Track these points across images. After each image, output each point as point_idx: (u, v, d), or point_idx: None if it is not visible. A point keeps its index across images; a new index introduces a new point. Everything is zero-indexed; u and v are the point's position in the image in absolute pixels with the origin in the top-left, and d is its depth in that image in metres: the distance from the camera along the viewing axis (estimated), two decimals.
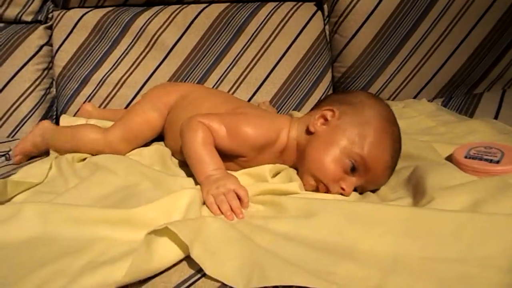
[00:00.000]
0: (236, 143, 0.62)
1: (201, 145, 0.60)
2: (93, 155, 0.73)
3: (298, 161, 0.63)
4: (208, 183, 0.54)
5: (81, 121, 0.86)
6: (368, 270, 0.39)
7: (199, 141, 0.60)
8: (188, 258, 0.42)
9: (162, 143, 0.79)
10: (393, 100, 1.04)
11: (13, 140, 0.96)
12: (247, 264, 0.40)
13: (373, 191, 0.61)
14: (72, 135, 0.77)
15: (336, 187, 0.58)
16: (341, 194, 0.58)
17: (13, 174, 0.67)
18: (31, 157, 0.82)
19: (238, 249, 0.42)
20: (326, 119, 0.62)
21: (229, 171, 0.60)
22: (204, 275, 0.40)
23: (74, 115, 1.01)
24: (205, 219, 0.46)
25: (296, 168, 0.65)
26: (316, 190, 0.60)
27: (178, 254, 0.41)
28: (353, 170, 0.58)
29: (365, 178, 0.58)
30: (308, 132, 0.63)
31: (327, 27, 1.09)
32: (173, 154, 0.75)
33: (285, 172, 0.63)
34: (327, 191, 0.59)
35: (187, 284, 0.39)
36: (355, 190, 0.60)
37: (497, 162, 0.57)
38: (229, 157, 0.63)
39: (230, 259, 0.40)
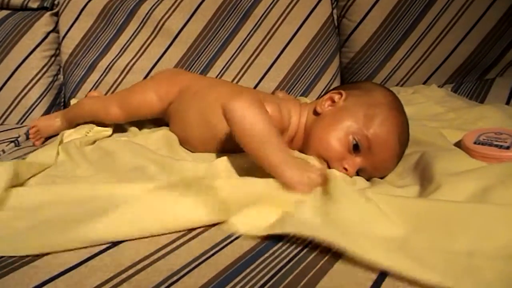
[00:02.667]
0: None
1: (267, 124, 0.52)
2: (93, 122, 0.79)
3: (304, 143, 0.63)
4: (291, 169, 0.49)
5: None
6: (376, 250, 0.39)
7: (264, 120, 0.52)
8: (194, 239, 0.43)
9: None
10: (402, 86, 1.03)
11: (22, 126, 0.97)
12: None
13: (381, 177, 0.60)
14: (77, 104, 0.86)
15: (339, 166, 0.57)
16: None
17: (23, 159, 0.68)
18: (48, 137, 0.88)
19: None
20: (333, 101, 0.62)
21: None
22: (208, 258, 0.40)
23: None
24: None
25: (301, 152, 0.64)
26: None
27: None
28: (356, 149, 0.57)
29: (369, 161, 0.58)
30: (316, 113, 0.63)
31: (335, 11, 1.07)
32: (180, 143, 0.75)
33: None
34: None
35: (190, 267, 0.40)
36: (358, 174, 0.59)
37: (507, 148, 0.56)
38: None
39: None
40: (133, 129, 0.82)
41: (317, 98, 0.99)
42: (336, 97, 0.62)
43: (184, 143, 0.73)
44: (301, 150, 0.64)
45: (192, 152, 0.70)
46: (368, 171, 0.59)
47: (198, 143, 0.71)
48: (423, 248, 0.41)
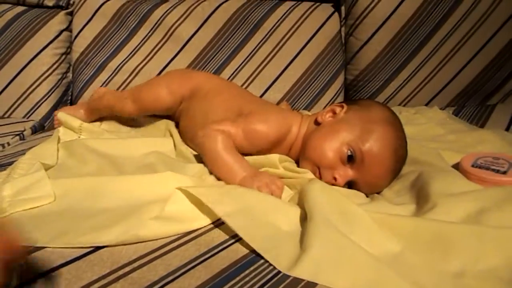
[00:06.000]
0: (252, 142, 0.63)
1: (224, 151, 0.60)
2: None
3: (301, 150, 0.64)
4: (246, 183, 0.55)
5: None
6: (369, 262, 0.40)
7: (221, 147, 0.60)
8: (191, 241, 0.43)
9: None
10: (404, 106, 1.04)
11: (28, 120, 0.98)
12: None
13: (378, 193, 0.61)
14: (97, 97, 0.87)
15: (329, 175, 0.58)
16: (333, 185, 0.58)
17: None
18: None
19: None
20: (334, 113, 0.64)
21: None
22: (204, 261, 0.41)
23: None
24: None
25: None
26: None
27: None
28: (349, 160, 0.58)
29: (361, 174, 0.58)
30: (316, 123, 0.65)
31: (343, 29, 1.09)
32: (184, 141, 0.76)
33: (290, 162, 0.64)
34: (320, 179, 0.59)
35: (187, 268, 0.40)
36: (349, 187, 0.60)
37: (504, 172, 0.57)
38: (244, 154, 0.64)
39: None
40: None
41: None
42: (338, 109, 0.64)
43: (189, 141, 0.75)
44: (298, 159, 0.66)
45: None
46: (360, 185, 0.60)
47: None
48: (415, 266, 0.41)
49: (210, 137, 0.62)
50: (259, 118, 0.65)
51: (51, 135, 0.78)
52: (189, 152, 0.70)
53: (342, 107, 0.64)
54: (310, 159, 0.61)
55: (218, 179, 0.60)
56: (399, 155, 0.60)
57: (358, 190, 0.60)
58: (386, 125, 0.60)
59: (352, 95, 1.09)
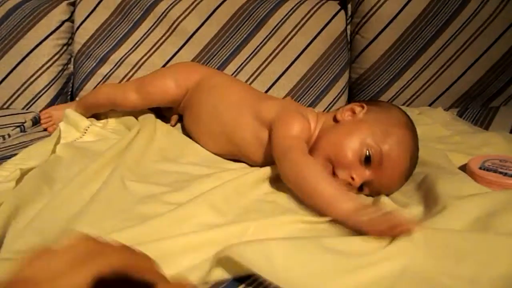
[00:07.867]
0: None
1: (322, 178, 0.53)
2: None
3: (313, 145, 0.63)
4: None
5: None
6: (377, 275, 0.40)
7: (319, 173, 0.54)
8: None
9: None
10: (408, 106, 1.04)
11: (29, 112, 0.97)
12: None
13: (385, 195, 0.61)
14: (92, 92, 0.86)
15: (346, 174, 0.58)
16: (349, 184, 0.58)
17: (29, 145, 0.67)
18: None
19: None
20: (354, 112, 0.63)
21: None
22: None
23: None
24: None
25: None
26: None
27: None
28: (367, 161, 0.58)
29: (377, 176, 0.58)
30: (334, 121, 0.64)
31: (349, 27, 1.09)
32: (189, 134, 0.76)
33: None
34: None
35: None
36: (361, 190, 0.59)
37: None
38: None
39: None
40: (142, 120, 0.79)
41: (323, 110, 1.01)
42: (358, 109, 0.63)
43: (196, 137, 0.74)
44: None
45: (204, 147, 0.71)
46: (372, 187, 0.59)
47: (208, 138, 0.72)
48: (427, 272, 0.41)
49: (297, 155, 0.56)
50: (287, 122, 0.62)
51: None
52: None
53: (363, 107, 0.63)
54: (325, 154, 0.59)
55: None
56: (414, 159, 0.61)
57: (369, 192, 0.60)
58: (405, 129, 0.60)
59: (356, 94, 1.09)
